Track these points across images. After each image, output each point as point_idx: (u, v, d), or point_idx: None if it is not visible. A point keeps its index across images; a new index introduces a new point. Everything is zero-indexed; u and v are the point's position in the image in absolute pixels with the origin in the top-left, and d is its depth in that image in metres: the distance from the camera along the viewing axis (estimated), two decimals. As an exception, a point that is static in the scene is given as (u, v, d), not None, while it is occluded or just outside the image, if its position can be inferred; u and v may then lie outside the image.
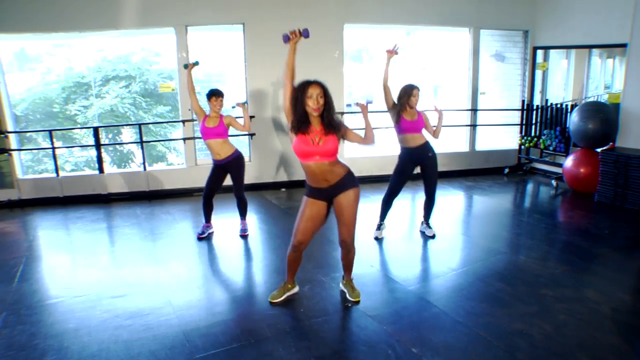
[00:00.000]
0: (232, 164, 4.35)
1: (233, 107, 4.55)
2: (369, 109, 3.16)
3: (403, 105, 4.14)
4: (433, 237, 4.43)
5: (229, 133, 4.34)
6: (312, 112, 2.78)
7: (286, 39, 2.92)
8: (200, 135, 4.46)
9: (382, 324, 2.93)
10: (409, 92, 4.12)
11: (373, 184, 6.39)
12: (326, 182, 2.91)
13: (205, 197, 4.45)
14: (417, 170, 4.35)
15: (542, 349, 2.63)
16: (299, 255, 3.14)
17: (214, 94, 4.21)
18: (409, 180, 4.42)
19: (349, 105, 2.79)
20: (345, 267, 3.26)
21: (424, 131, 4.24)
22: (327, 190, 2.94)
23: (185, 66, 4.36)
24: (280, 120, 6.26)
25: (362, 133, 3.04)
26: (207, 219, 4.55)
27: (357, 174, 3.11)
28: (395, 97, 4.21)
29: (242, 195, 4.51)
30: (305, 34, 2.91)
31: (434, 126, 4.32)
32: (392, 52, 4.20)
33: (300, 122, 2.80)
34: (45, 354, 2.64)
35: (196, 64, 4.35)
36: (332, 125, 2.83)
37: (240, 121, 4.39)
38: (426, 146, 4.24)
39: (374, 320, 2.98)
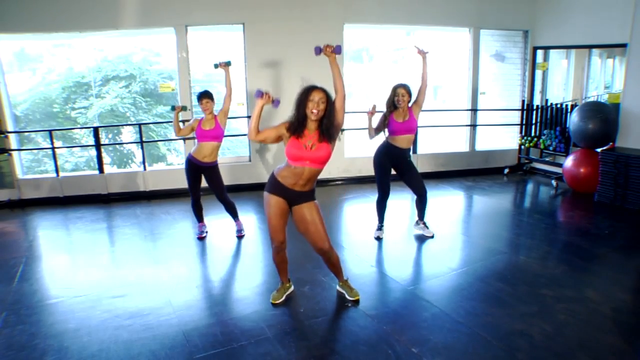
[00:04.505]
0: (210, 170, 4.33)
1: (215, 66, 4.35)
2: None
3: (390, 106, 4.11)
4: (432, 237, 4.43)
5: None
6: (312, 115, 2.79)
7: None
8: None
9: (382, 323, 2.93)
10: (393, 92, 4.10)
11: (373, 184, 6.36)
12: (297, 186, 2.92)
13: (194, 200, 4.45)
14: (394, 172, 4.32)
15: (542, 349, 2.63)
16: (283, 255, 3.15)
17: (203, 97, 4.20)
18: (396, 183, 4.39)
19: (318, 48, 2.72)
20: (333, 272, 3.26)
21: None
22: (291, 192, 2.94)
23: (172, 108, 4.38)
24: (280, 120, 6.25)
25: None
26: (200, 219, 4.56)
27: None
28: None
29: (225, 198, 4.46)
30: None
31: (422, 76, 4.23)
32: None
33: (298, 125, 2.82)
34: (45, 354, 2.64)
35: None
36: (329, 133, 2.85)
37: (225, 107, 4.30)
38: (408, 151, 4.24)
39: (374, 320, 2.98)
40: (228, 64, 4.33)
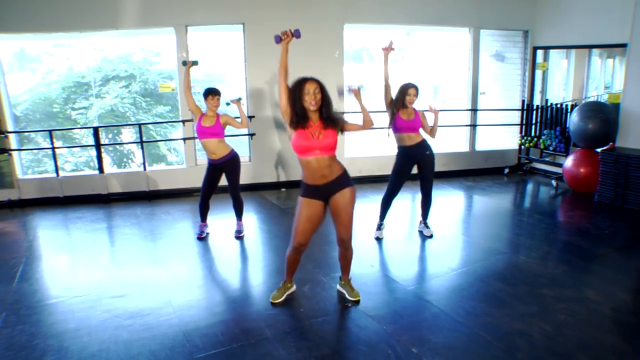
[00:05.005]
0: (228, 164, 4.34)
1: (227, 103, 4.49)
2: (363, 96, 3.20)
3: (398, 104, 4.13)
4: (431, 237, 4.43)
5: (229, 133, 4.33)
6: (311, 107, 2.81)
7: (278, 39, 2.97)
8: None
9: (382, 323, 2.93)
10: (404, 91, 4.12)
11: (373, 184, 6.38)
12: (324, 179, 2.90)
13: (203, 199, 4.45)
14: (415, 170, 4.35)
15: (542, 349, 2.63)
16: (299, 257, 3.15)
17: (210, 93, 4.20)
18: (408, 181, 4.42)
19: (341, 91, 2.76)
20: (343, 267, 3.26)
21: (421, 131, 4.23)
22: (323, 188, 2.93)
23: (184, 63, 4.38)
24: (280, 119, 6.26)
25: (360, 132, 3.07)
26: (204, 218, 4.56)
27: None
28: (394, 95, 4.21)
29: (238, 195, 4.49)
30: (296, 34, 2.95)
31: (431, 126, 4.31)
32: (388, 49, 4.20)
33: (299, 118, 2.83)
34: (45, 354, 2.64)
35: (195, 63, 4.37)
36: (331, 119, 2.87)
37: (238, 120, 4.39)
38: (423, 144, 4.24)
39: (374, 320, 2.98)
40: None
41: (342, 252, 3.18)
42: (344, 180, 2.97)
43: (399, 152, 4.29)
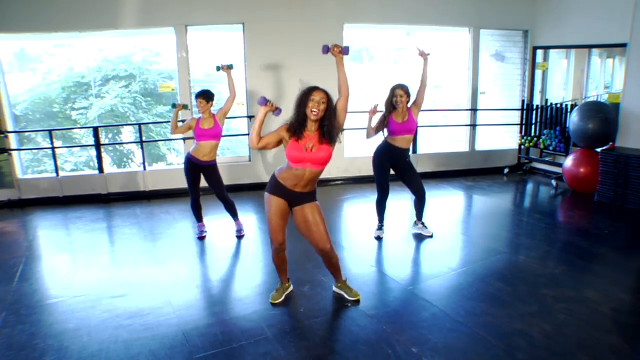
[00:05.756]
0: (211, 169, 4.34)
1: (218, 68, 4.39)
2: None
3: (388, 107, 4.11)
4: (431, 236, 4.43)
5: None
6: (312, 115, 2.79)
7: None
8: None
9: (382, 323, 2.93)
10: (392, 93, 4.10)
11: (373, 184, 6.36)
12: (298, 187, 2.92)
13: (194, 200, 4.45)
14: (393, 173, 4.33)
15: (542, 349, 2.63)
16: (283, 256, 3.15)
17: (198, 97, 4.20)
18: (395, 182, 4.39)
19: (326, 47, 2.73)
20: (332, 273, 3.25)
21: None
22: (292, 194, 2.94)
23: (174, 106, 4.39)
24: (280, 120, 6.25)
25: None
26: (200, 218, 4.56)
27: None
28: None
29: (225, 197, 4.46)
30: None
31: (422, 79, 4.24)
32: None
33: (298, 126, 2.82)
34: (45, 354, 2.64)
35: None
36: (330, 135, 2.85)
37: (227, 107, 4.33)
38: (407, 151, 4.25)
39: (374, 320, 2.98)
40: (230, 67, 4.35)
41: (325, 260, 3.14)
42: (313, 196, 3.00)
43: (383, 145, 4.24)
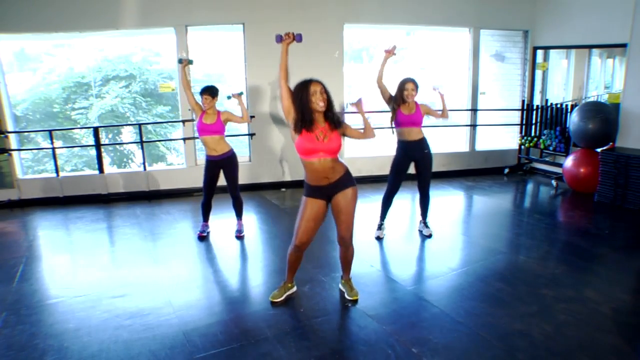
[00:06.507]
0: (227, 161, 4.36)
1: (228, 97, 4.49)
2: (365, 108, 3.20)
3: (397, 100, 4.15)
4: (430, 236, 4.44)
5: (228, 133, 4.33)
6: (318, 107, 2.79)
7: (279, 39, 3.00)
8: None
9: (382, 323, 2.93)
10: (402, 87, 4.15)
11: (372, 184, 6.39)
12: (326, 180, 2.92)
13: (206, 198, 4.46)
14: (412, 169, 4.35)
15: (542, 349, 2.63)
16: (300, 255, 3.15)
17: (203, 92, 4.22)
18: (408, 180, 4.41)
19: (345, 108, 2.91)
20: (344, 265, 3.27)
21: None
22: (326, 188, 2.95)
23: (180, 61, 4.41)
24: (280, 119, 6.26)
25: (361, 130, 3.09)
26: (206, 218, 4.56)
27: (356, 174, 3.13)
28: (393, 92, 4.23)
29: (237, 194, 4.50)
30: (298, 38, 2.98)
31: (439, 110, 4.35)
32: (390, 52, 4.22)
33: (305, 120, 2.81)
34: (45, 354, 2.64)
35: (190, 62, 4.42)
36: (338, 121, 2.88)
37: (238, 113, 4.39)
38: (423, 142, 4.26)
39: (374, 320, 2.98)
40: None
41: (342, 251, 3.18)
42: (347, 180, 2.98)
43: (398, 146, 4.30)
